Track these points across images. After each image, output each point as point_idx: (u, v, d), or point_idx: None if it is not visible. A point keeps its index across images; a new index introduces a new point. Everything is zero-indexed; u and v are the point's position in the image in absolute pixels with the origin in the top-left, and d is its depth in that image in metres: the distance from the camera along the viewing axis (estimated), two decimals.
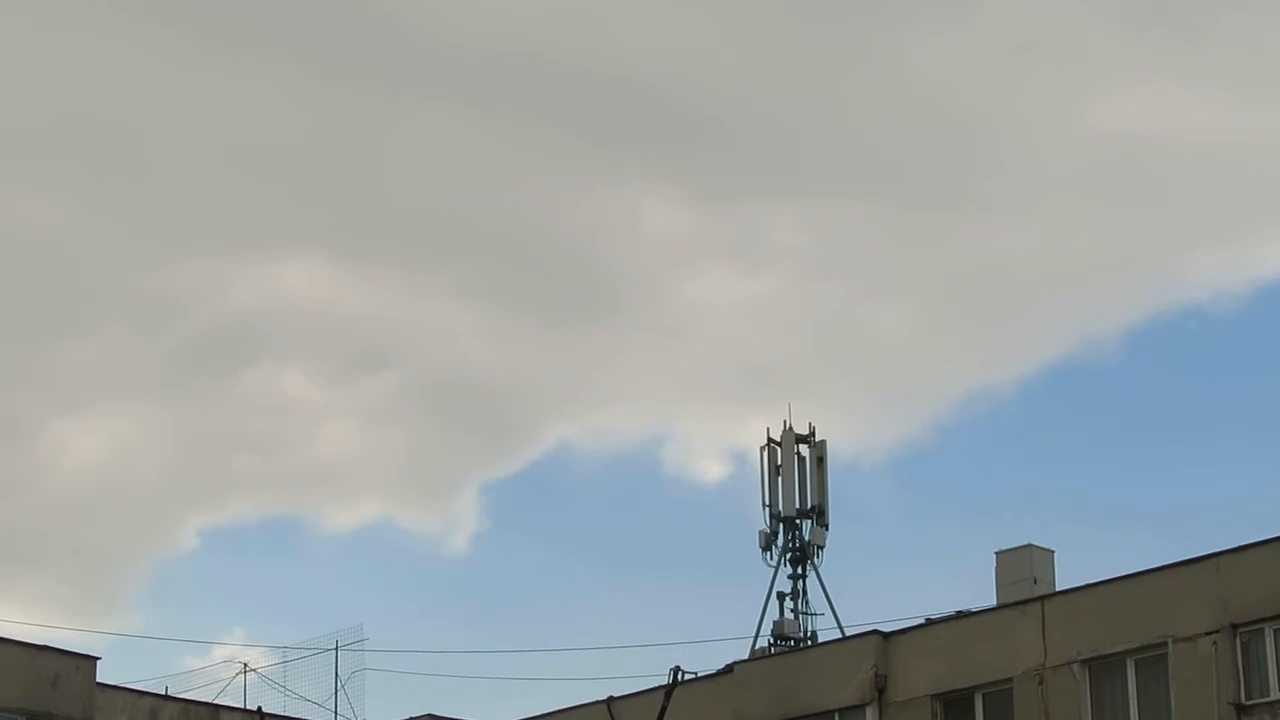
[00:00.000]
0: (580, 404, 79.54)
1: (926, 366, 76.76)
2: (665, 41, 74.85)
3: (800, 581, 51.25)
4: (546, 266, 78.17)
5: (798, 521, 51.36)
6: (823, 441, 51.82)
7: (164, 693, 43.47)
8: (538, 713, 44.43)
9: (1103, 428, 77.26)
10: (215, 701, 43.71)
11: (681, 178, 77.37)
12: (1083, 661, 37.43)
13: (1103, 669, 37.27)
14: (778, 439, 51.45)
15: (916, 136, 75.79)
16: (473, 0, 75.90)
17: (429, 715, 44.71)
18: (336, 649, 44.92)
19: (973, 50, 75.53)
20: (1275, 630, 35.28)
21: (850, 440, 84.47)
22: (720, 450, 79.16)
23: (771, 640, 49.50)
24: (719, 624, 64.78)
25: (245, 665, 44.81)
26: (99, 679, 41.32)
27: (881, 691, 39.97)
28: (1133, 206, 76.60)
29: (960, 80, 76.05)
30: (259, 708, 41.32)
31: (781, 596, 50.88)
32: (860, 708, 39.94)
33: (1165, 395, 78.78)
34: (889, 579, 64.70)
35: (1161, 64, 77.08)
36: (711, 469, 78.35)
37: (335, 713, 44.81)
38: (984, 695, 38.88)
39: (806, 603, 51.12)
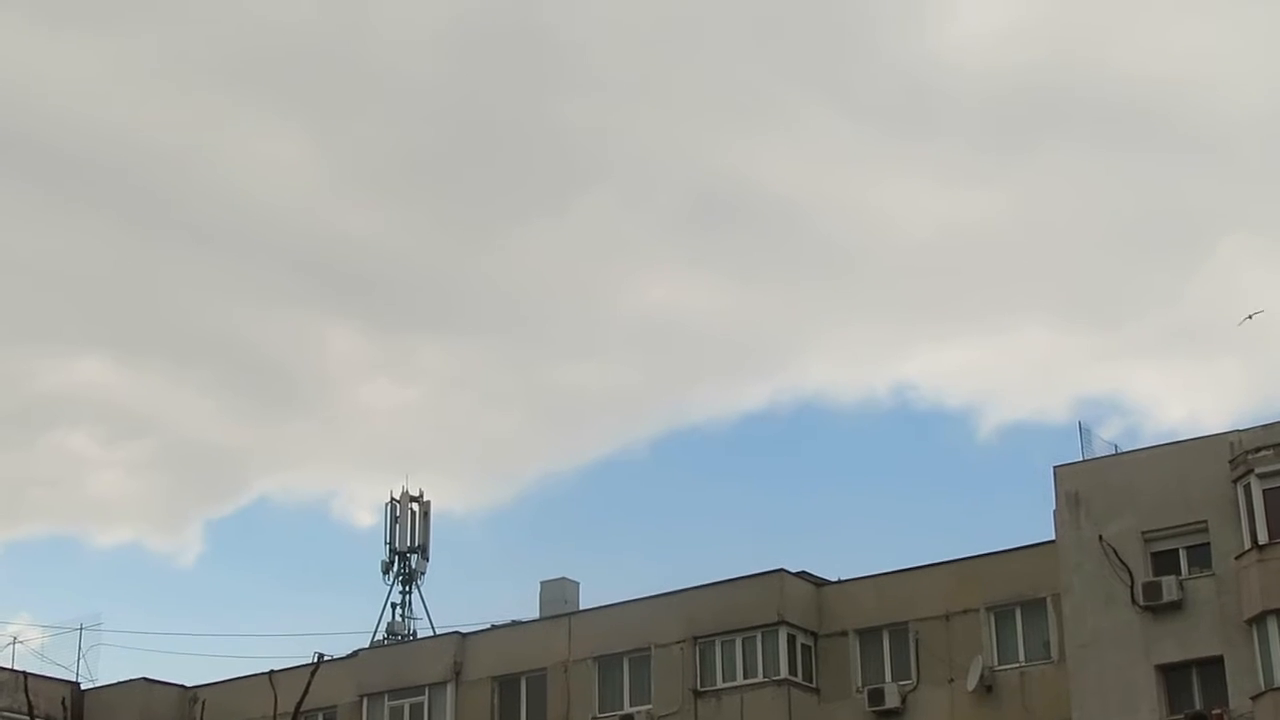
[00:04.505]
0: (277, 468, 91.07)
1: (517, 457, 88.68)
2: (361, 228, 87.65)
3: (407, 595, 55.47)
4: (261, 372, 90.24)
5: (408, 555, 55.40)
6: (428, 501, 56.27)
7: None
8: (220, 679, 48.54)
9: (628, 504, 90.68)
10: None
11: (354, 313, 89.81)
12: (595, 658, 42.72)
13: (608, 663, 42.60)
14: (399, 498, 55.79)
15: (520, 298, 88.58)
16: (232, 188, 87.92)
17: (143, 678, 49.03)
18: (81, 630, 48.85)
19: (563, 246, 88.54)
20: (723, 641, 40.90)
21: (462, 502, 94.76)
22: (371, 505, 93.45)
23: (386, 635, 53.68)
24: (352, 623, 71.84)
25: (15, 638, 48.31)
26: None
27: (458, 673, 44.86)
28: (658, 354, 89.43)
29: (550, 261, 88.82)
30: (24, 671, 43.44)
31: (394, 606, 55.16)
32: (444, 684, 44.73)
33: (672, 485, 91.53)
34: (469, 596, 78.81)
35: (686, 260, 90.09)
36: (364, 518, 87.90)
37: (77, 673, 48.90)
38: (527, 679, 44.17)
39: (410, 610, 55.17)
